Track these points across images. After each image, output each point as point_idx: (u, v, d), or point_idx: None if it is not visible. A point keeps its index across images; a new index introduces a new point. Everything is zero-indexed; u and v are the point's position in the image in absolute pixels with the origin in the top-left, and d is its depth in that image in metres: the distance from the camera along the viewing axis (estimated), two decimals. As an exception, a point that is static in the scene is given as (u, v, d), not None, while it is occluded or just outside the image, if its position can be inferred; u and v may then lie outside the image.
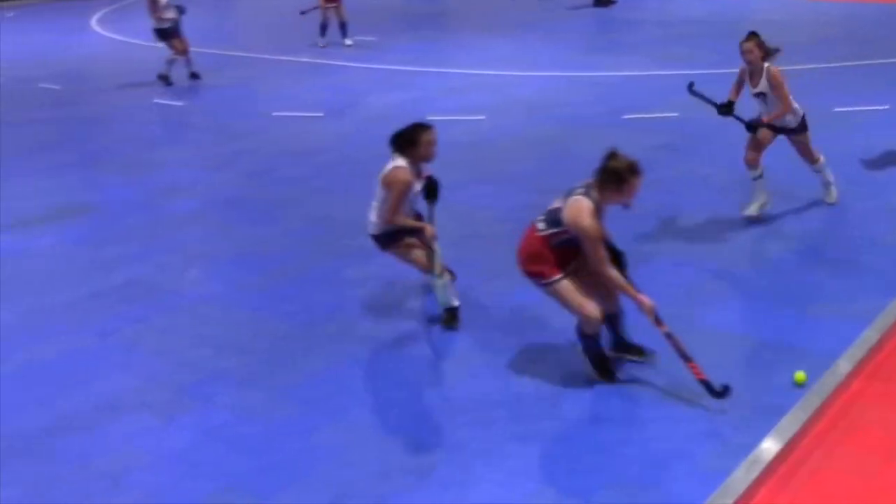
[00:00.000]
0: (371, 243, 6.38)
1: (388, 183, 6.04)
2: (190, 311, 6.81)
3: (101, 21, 21.24)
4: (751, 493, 4.43)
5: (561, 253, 5.23)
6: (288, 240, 8.10)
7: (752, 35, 7.64)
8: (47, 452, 5.08)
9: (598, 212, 5.13)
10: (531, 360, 5.82)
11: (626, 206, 5.21)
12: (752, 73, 7.65)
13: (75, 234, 8.49)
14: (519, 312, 6.43)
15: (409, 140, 6.04)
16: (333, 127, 11.56)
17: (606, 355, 5.52)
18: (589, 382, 5.45)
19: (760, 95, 7.66)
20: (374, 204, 6.20)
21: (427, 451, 4.93)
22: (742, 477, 4.49)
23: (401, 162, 6.07)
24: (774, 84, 7.52)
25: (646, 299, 5.16)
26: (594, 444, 4.89)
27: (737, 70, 7.80)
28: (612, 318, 5.56)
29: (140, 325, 6.61)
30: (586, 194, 5.12)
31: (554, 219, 5.20)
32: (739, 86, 7.78)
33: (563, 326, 5.79)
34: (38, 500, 4.66)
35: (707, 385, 5.13)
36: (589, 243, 5.09)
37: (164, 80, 14.37)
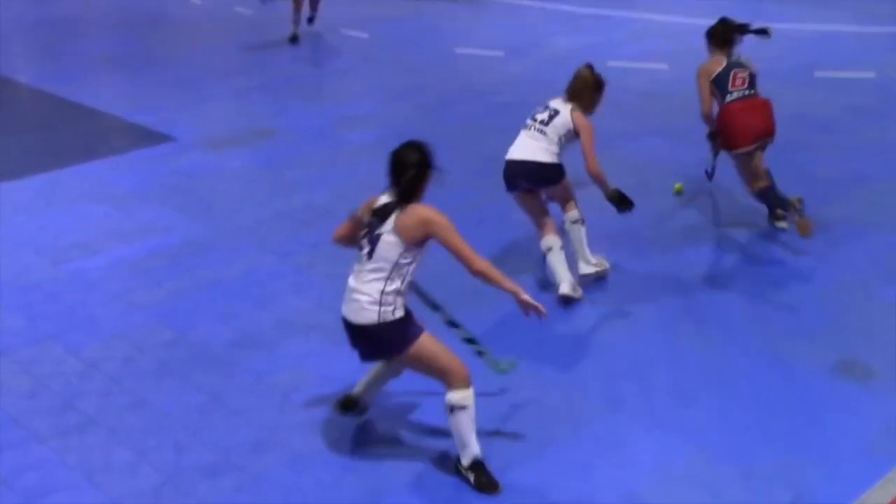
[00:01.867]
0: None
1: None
2: (362, 240, 7.06)
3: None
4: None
5: None
6: (458, 177, 8.11)
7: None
8: (229, 364, 5.45)
9: None
10: (694, 318, 5.81)
11: None
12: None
13: (260, 156, 8.88)
14: (688, 268, 6.41)
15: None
16: (513, 67, 11.58)
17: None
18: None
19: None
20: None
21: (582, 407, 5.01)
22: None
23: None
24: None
25: None
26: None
27: None
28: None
29: (315, 248, 6.91)
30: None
31: (754, 82, 6.69)
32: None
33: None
34: (219, 408, 5.01)
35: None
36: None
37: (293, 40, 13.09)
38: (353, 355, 5.42)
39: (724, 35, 6.76)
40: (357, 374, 5.26)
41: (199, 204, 7.79)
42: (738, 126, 6.52)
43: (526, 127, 6.21)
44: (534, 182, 6.15)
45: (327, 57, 12.53)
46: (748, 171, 6.71)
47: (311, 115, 10.01)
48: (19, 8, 16.21)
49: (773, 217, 6.87)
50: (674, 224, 7.21)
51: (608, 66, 11.22)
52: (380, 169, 8.32)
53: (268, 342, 5.67)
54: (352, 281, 4.40)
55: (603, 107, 9.59)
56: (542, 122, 6.10)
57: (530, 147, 6.09)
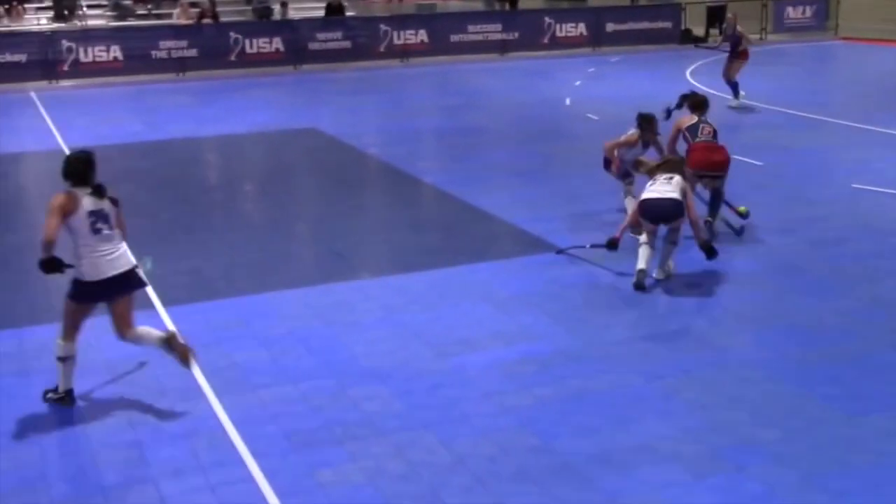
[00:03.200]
0: None
1: None
2: (733, 372, 6.85)
3: (694, 73, 21.95)
4: None
5: None
6: (847, 318, 7.76)
7: None
8: (586, 480, 5.46)
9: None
10: None
11: None
12: None
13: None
14: None
15: None
16: (917, 207, 10.79)
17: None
18: None
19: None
20: None
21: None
22: None
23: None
24: None
25: None
26: None
27: None
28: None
29: (684, 375, 6.79)
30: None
31: (716, 135, 10.11)
32: None
33: None
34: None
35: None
36: None
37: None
38: (717, 495, 5.26)
39: (695, 102, 10.39)
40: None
41: (575, 315, 7.95)
42: (701, 156, 9.77)
43: (655, 182, 8.72)
44: (669, 215, 8.55)
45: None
46: (693, 185, 9.55)
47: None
48: (440, 119, 17.69)
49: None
50: None
51: None
52: (760, 300, 8.18)
53: (626, 464, 5.61)
54: (103, 246, 6.24)
55: None
56: (667, 178, 8.67)
57: (666, 189, 8.59)
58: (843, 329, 7.58)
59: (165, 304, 8.25)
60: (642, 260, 8.55)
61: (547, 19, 26.52)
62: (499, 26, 26.08)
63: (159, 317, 7.99)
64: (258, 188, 13.20)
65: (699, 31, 27.71)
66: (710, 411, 6.27)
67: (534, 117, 17.19)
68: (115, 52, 22.79)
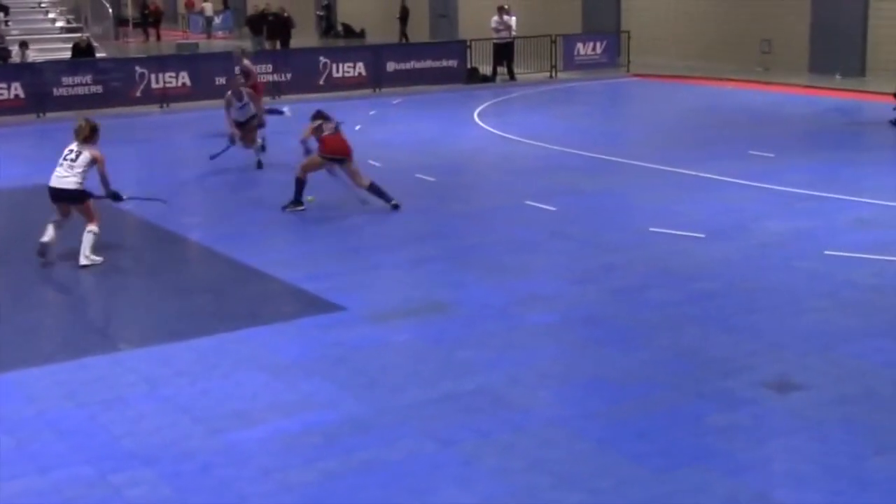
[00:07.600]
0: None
1: None
2: (534, 433, 7.02)
3: (482, 114, 22.68)
4: None
5: None
6: (649, 370, 8.13)
7: None
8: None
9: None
10: None
11: None
12: None
13: (431, 332, 9.04)
14: None
15: None
16: (716, 250, 11.47)
17: None
18: None
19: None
20: None
21: None
22: None
23: None
24: None
25: None
26: None
27: None
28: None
29: (482, 439, 6.91)
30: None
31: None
32: None
33: None
34: None
35: None
36: None
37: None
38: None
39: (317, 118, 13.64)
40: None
41: (362, 379, 7.97)
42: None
43: (61, 165, 11.03)
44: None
45: (510, 229, 12.79)
46: (309, 166, 13.57)
47: (488, 291, 10.17)
48: (203, 170, 17.42)
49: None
50: None
51: (826, 256, 11.04)
52: (560, 354, 8.48)
53: (424, 539, 5.64)
54: None
55: (819, 302, 9.55)
56: (71, 159, 10.93)
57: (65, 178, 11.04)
58: (648, 381, 7.92)
59: None
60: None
61: (322, 59, 26.79)
62: (269, 67, 26.12)
63: None
64: (-8, 252, 12.56)
65: (486, 69, 28.71)
66: (511, 476, 6.40)
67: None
68: None
